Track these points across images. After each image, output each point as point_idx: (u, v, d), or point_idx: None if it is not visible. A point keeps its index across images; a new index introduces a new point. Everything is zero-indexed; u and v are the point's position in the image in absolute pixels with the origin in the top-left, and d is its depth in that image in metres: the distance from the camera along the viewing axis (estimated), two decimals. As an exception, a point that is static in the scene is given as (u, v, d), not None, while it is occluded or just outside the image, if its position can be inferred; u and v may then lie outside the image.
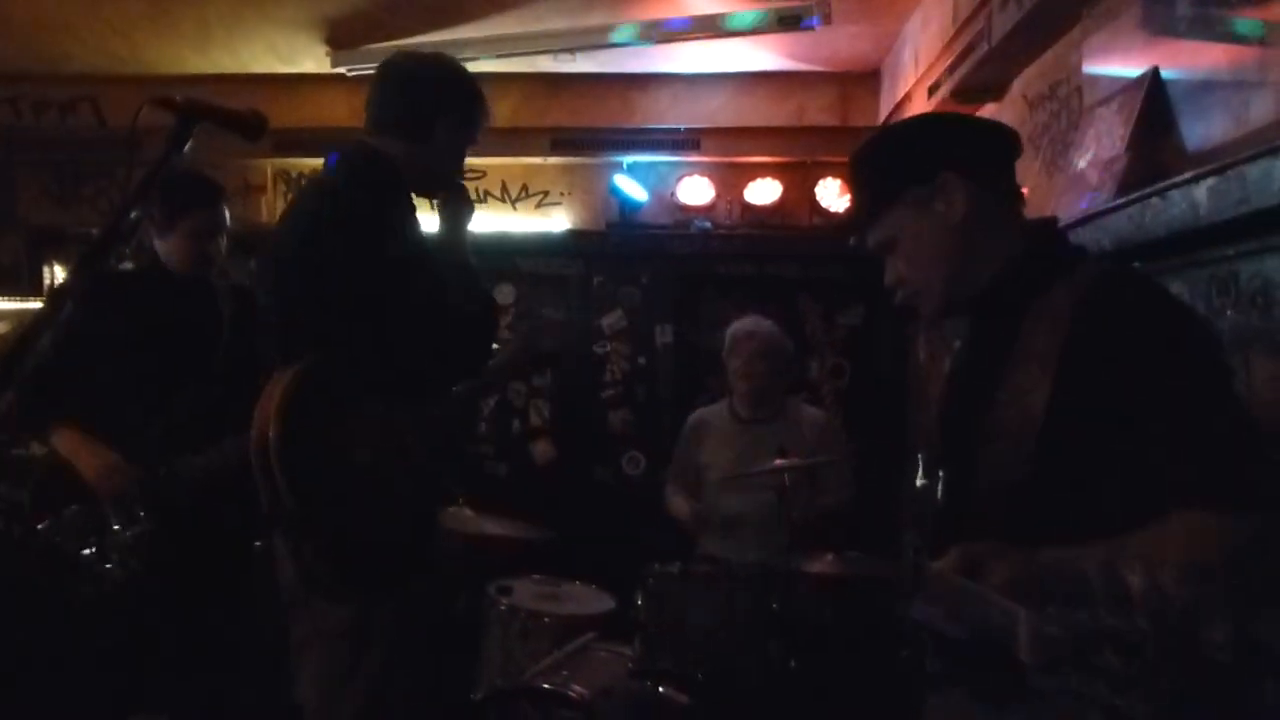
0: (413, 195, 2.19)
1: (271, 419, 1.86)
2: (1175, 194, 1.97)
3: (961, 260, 1.51)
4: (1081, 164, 2.60)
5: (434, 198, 2.27)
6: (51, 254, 4.98)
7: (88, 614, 2.59)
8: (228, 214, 2.79)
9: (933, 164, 1.49)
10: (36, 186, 5.06)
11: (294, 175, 5.09)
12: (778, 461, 3.23)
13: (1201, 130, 2.09)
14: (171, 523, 2.52)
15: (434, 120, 2.17)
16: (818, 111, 4.72)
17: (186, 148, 1.33)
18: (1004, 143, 1.56)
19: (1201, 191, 1.88)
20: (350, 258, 1.97)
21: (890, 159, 1.58)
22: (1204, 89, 2.10)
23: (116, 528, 2.53)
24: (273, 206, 5.08)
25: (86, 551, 2.51)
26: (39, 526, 2.54)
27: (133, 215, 1.28)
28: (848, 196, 4.81)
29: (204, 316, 2.67)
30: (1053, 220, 1.64)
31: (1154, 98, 2.26)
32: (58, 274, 4.98)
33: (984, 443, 1.48)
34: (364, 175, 2.13)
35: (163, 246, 2.69)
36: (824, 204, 4.82)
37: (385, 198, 2.09)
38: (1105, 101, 2.51)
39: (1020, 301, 1.47)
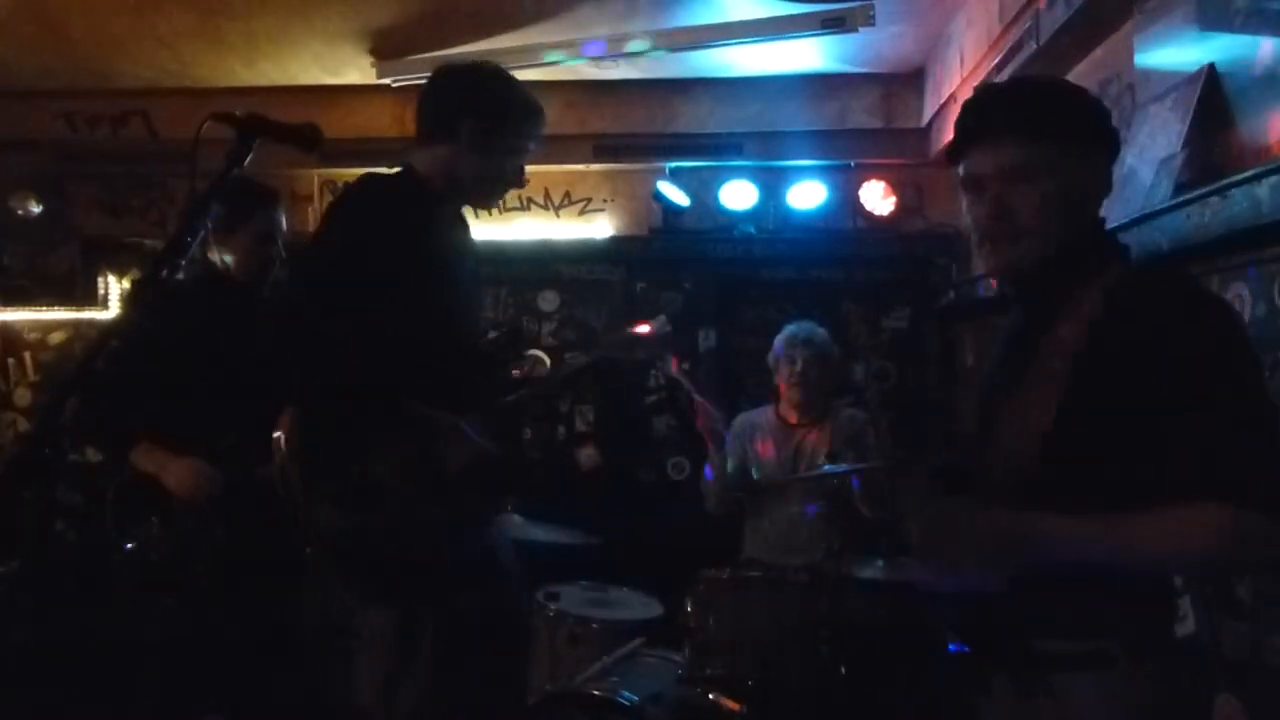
0: (458, 206, 2.23)
1: (284, 450, 1.99)
2: (1236, 192, 1.93)
3: (1065, 224, 1.50)
4: (1134, 163, 2.56)
5: (482, 205, 2.28)
6: (105, 264, 5.07)
7: (165, 618, 2.63)
8: (284, 219, 2.84)
9: (1099, 130, 1.53)
10: (90, 198, 5.15)
11: (340, 185, 5.14)
12: (827, 467, 3.21)
13: (1262, 127, 2.05)
14: (244, 529, 2.56)
15: (456, 123, 2.16)
16: (861, 113, 4.69)
17: (246, 161, 1.36)
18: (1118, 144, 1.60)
19: (1264, 189, 1.85)
20: (336, 281, 2.03)
21: (1078, 101, 1.57)
22: (1263, 84, 2.06)
23: (196, 537, 2.57)
24: (319, 217, 5.13)
25: (166, 562, 2.56)
26: (128, 546, 2.58)
27: (197, 228, 1.30)
28: (892, 199, 4.77)
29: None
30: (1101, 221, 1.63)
31: (1211, 94, 2.22)
32: (111, 284, 5.08)
33: (1005, 423, 1.52)
34: (361, 199, 2.18)
35: (223, 253, 2.73)
36: (868, 207, 4.78)
37: (380, 217, 2.10)
38: (1159, 99, 2.47)
39: (1060, 288, 1.50)
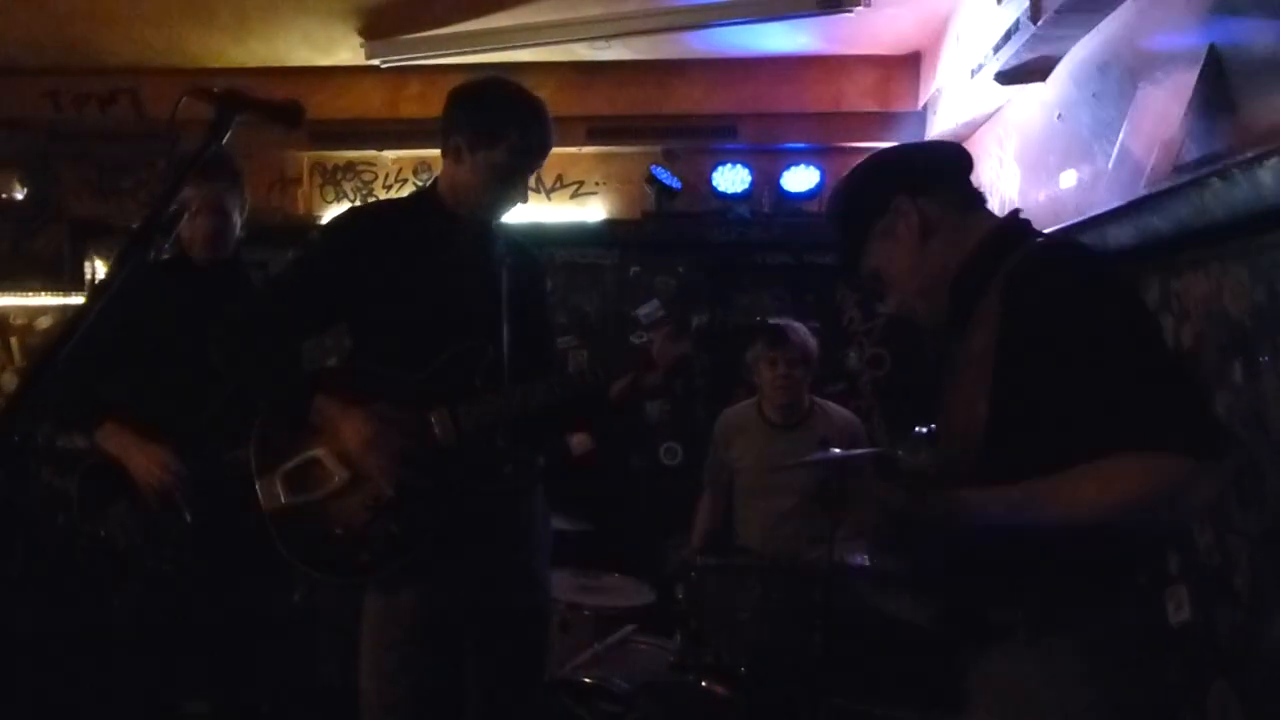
0: (471, 218, 2.26)
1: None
2: (1238, 175, 1.90)
3: (931, 266, 1.66)
4: (1133, 146, 2.53)
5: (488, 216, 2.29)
6: (93, 246, 5.01)
7: (134, 604, 2.61)
8: (242, 194, 2.77)
9: (884, 195, 1.67)
10: (77, 179, 5.08)
11: (330, 167, 5.09)
12: (819, 455, 3.18)
13: (1263, 109, 2.02)
14: (214, 514, 2.54)
15: (447, 140, 2.22)
16: (857, 96, 4.65)
17: (225, 138, 1.32)
18: (947, 157, 1.75)
19: (1267, 173, 1.82)
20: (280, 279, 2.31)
21: (851, 205, 1.76)
22: (1265, 66, 2.02)
23: (162, 522, 2.55)
24: (309, 199, 5.08)
25: (132, 546, 2.55)
26: (84, 524, 2.56)
27: (173, 207, 1.27)
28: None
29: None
30: (1015, 213, 1.71)
31: (1211, 76, 2.18)
32: (99, 266, 5.02)
33: (949, 407, 1.65)
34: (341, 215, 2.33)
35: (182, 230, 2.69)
36: (863, 190, 4.73)
37: (353, 223, 2.29)
38: (1159, 81, 2.44)
39: (978, 284, 1.60)
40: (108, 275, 1.22)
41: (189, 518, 2.55)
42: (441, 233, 2.24)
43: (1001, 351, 1.50)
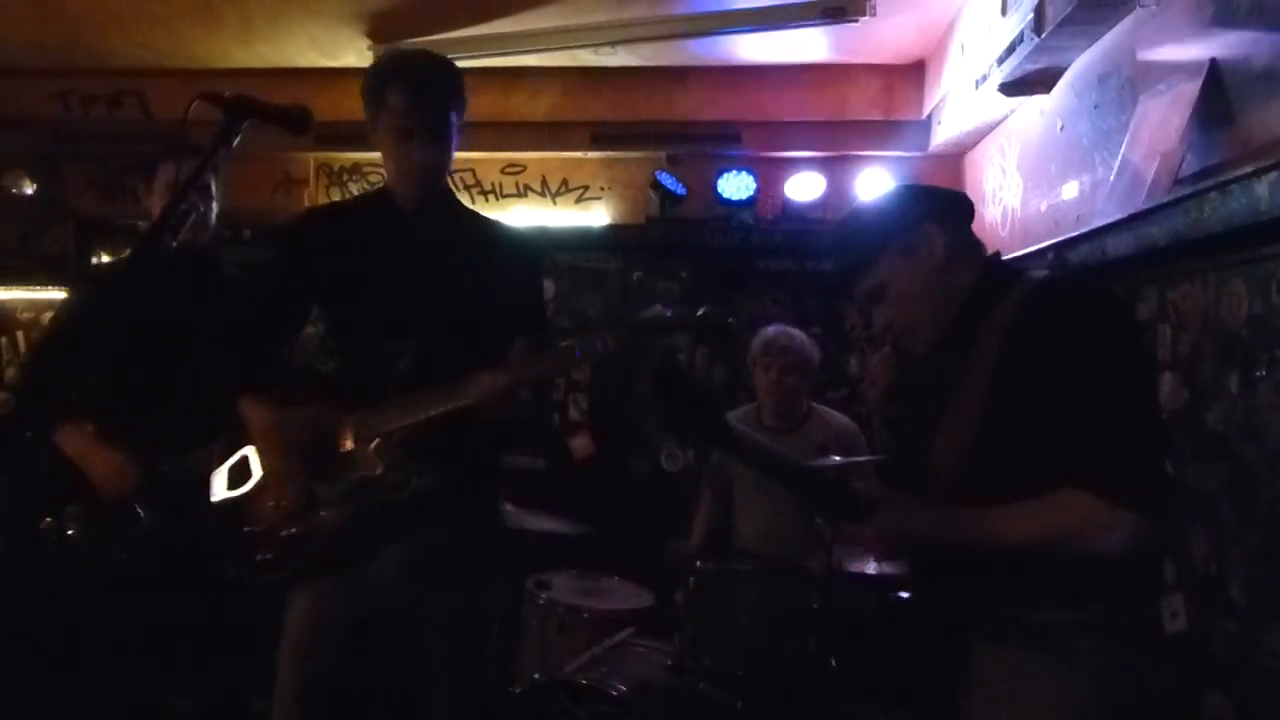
0: (420, 203, 2.20)
1: None
2: (1235, 188, 1.92)
3: (941, 296, 1.75)
4: (1133, 158, 2.55)
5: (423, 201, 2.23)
6: (99, 244, 5.04)
7: (99, 604, 2.61)
8: (209, 178, 2.73)
9: (916, 217, 1.76)
10: (84, 178, 5.12)
11: (336, 168, 5.11)
12: (819, 461, 3.18)
13: (1262, 123, 2.03)
14: (175, 516, 2.53)
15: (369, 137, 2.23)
16: (861, 104, 4.66)
17: (235, 143, 1.34)
18: (965, 204, 1.86)
19: (1263, 186, 1.84)
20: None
21: (880, 214, 1.84)
22: (1264, 80, 2.04)
23: (118, 524, 2.55)
24: (314, 199, 5.09)
25: (92, 547, 2.55)
26: (42, 524, 2.56)
27: (181, 207, 1.28)
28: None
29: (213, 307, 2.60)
30: (995, 255, 1.86)
31: (1211, 89, 2.20)
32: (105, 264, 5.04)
33: (942, 427, 1.73)
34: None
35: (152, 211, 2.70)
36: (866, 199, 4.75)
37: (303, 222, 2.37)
38: (1159, 93, 2.45)
39: (976, 321, 1.70)
40: (117, 276, 1.24)
41: (144, 519, 2.55)
42: (384, 229, 2.19)
43: (995, 389, 1.62)
